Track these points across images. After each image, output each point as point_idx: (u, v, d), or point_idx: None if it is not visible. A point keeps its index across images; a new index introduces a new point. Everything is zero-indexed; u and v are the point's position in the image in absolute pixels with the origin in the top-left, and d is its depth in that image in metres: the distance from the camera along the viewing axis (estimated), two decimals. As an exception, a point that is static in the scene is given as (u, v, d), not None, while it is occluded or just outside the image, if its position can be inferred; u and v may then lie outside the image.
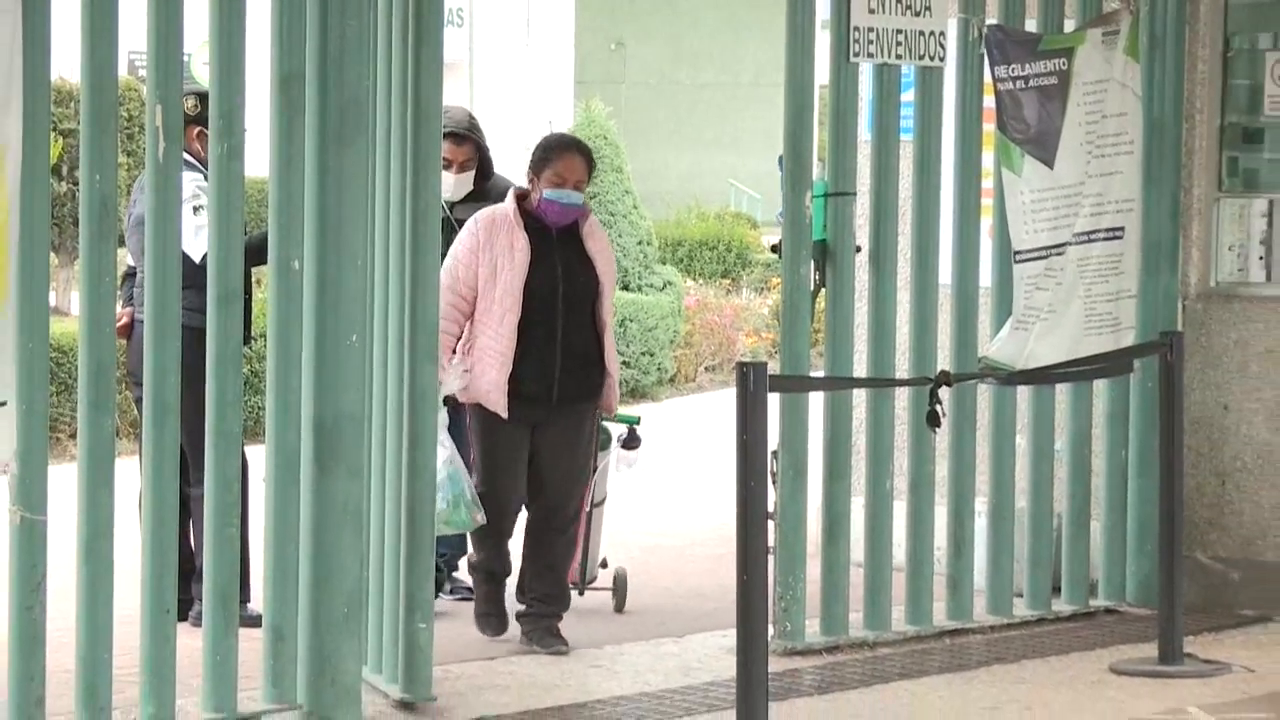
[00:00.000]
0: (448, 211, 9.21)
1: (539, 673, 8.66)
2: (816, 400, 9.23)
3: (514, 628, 9.15)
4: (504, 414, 8.84)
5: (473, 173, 9.77)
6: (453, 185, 9.50)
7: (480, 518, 8.80)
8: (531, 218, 8.97)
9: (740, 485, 7.13)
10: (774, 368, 8.67)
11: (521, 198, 9.03)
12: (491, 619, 9.22)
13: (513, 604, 9.24)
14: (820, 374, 9.41)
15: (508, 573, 9.22)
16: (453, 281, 8.80)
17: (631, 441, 9.79)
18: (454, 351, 8.90)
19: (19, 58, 6.88)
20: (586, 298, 8.99)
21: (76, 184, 7.47)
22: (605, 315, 9.02)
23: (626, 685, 8.53)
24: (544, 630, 9.00)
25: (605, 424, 9.60)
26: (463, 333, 8.95)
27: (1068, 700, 8.47)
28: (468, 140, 9.70)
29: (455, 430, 9.15)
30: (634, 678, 8.69)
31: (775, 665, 7.91)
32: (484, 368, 8.86)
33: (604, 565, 9.91)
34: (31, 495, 7.16)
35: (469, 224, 9.04)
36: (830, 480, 9.31)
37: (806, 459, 9.21)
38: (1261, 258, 10.58)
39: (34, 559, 7.20)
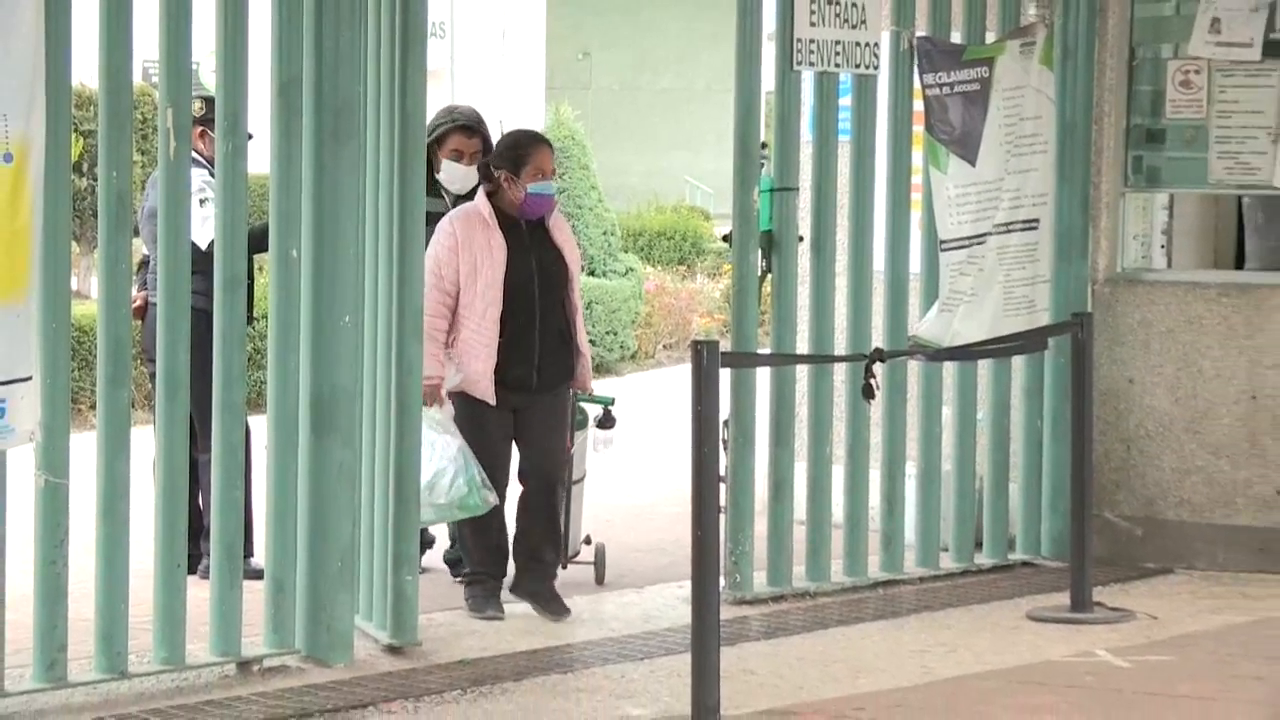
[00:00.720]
0: (449, 205, 8.97)
1: (513, 620, 8.64)
2: (764, 375, 9.23)
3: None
4: (492, 401, 8.47)
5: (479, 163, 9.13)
6: (463, 177, 9.07)
7: (492, 499, 8.38)
8: (501, 214, 8.56)
9: (695, 451, 7.13)
10: (725, 345, 8.66)
11: (491, 194, 8.60)
12: (492, 611, 8.59)
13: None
14: (767, 351, 9.41)
15: (505, 573, 8.75)
16: (437, 280, 8.39)
17: (607, 421, 9.20)
18: (446, 345, 8.50)
19: (42, 65, 6.85)
20: (559, 286, 8.61)
21: (95, 180, 7.45)
22: (575, 300, 8.70)
23: (593, 631, 8.53)
24: (552, 595, 8.71)
25: (582, 405, 9.14)
26: (451, 326, 8.51)
27: (988, 644, 8.49)
28: (477, 134, 9.17)
29: None
30: (599, 624, 8.69)
31: (726, 613, 7.91)
32: (470, 359, 8.45)
33: (587, 541, 9.46)
34: (55, 461, 7.16)
35: (444, 223, 8.57)
36: (776, 446, 9.32)
37: (754, 427, 9.21)
38: (1163, 246, 10.62)
39: (57, 519, 7.20)
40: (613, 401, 9.22)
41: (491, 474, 8.42)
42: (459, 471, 8.27)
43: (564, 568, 9.20)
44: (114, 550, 7.39)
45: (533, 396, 8.58)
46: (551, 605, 8.64)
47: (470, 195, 8.97)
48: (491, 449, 8.51)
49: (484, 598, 8.61)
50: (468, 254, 8.47)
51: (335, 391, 7.83)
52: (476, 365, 8.44)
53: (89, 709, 7.18)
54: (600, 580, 9.46)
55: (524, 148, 8.63)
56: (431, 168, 8.87)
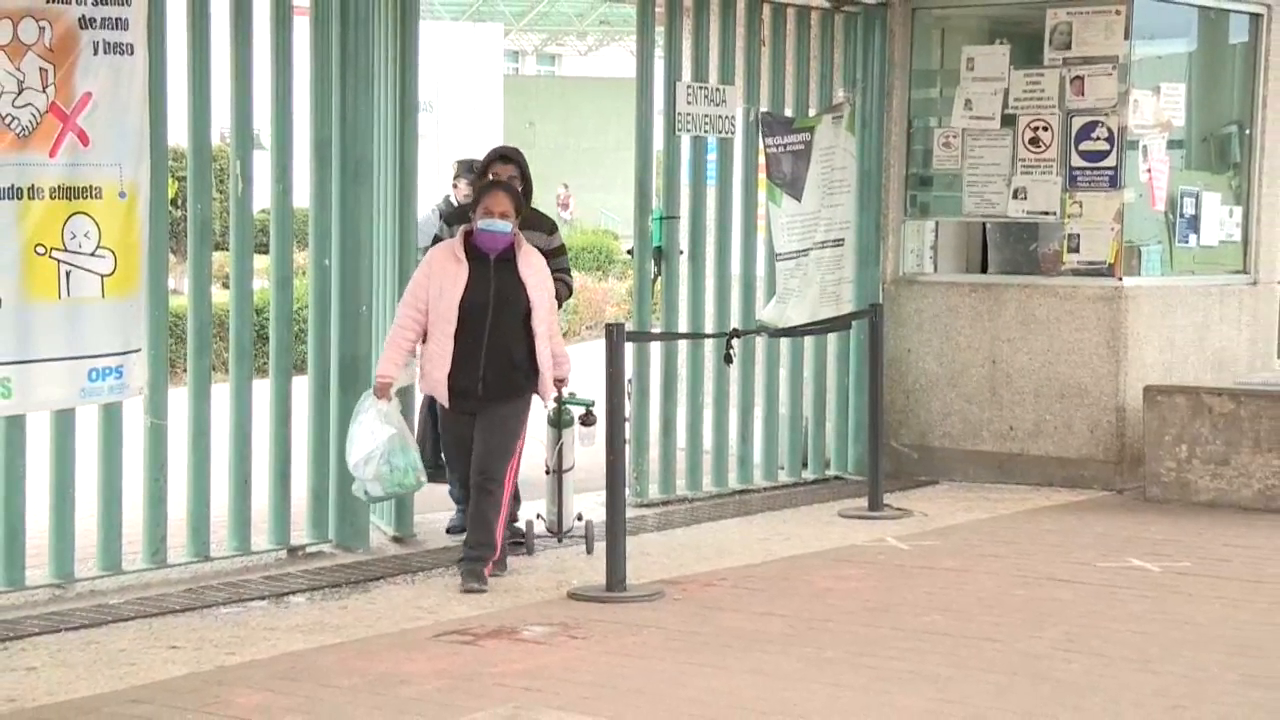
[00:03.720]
0: None
1: (481, 518, 8.57)
2: (656, 347, 9.22)
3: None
4: (446, 404, 7.21)
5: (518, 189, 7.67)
6: None
7: (423, 478, 7.25)
8: (474, 248, 7.20)
9: (608, 400, 7.11)
10: (630, 327, 8.65)
11: (468, 233, 7.25)
12: (473, 584, 7.13)
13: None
14: (658, 330, 9.40)
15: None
16: (412, 299, 7.19)
17: (588, 419, 7.76)
18: (413, 354, 7.27)
19: (147, 129, 6.79)
20: (516, 312, 7.15)
21: (186, 211, 7.38)
22: (537, 326, 7.18)
23: (538, 526, 8.46)
24: (468, 572, 7.14)
25: (568, 406, 7.76)
26: (418, 339, 7.22)
27: (812, 533, 8.51)
28: (511, 161, 7.82)
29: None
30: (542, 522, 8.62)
31: (630, 513, 7.88)
32: (431, 367, 7.17)
33: (580, 519, 7.95)
34: (157, 408, 7.11)
35: (427, 254, 7.36)
36: (665, 397, 9.31)
37: (649, 384, 9.20)
38: (931, 257, 10.66)
39: (159, 448, 7.15)
40: (593, 403, 7.78)
41: (452, 464, 7.42)
42: (386, 456, 7.11)
43: (560, 541, 7.93)
44: (200, 470, 7.32)
45: (480, 404, 7.16)
46: (467, 580, 7.11)
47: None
48: (451, 444, 7.36)
49: (465, 571, 7.21)
50: (437, 280, 7.16)
51: (355, 359, 7.77)
52: (436, 373, 7.16)
53: (182, 583, 7.11)
54: (590, 550, 7.82)
55: (480, 191, 7.36)
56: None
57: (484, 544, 7.18)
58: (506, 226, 7.17)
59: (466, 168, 8.41)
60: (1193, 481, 9.38)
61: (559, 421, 7.74)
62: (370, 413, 7.17)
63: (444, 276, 7.15)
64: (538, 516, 7.96)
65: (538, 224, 7.83)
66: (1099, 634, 6.33)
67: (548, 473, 7.87)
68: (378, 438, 7.10)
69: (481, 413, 7.17)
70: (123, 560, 7.08)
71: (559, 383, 7.40)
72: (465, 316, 7.11)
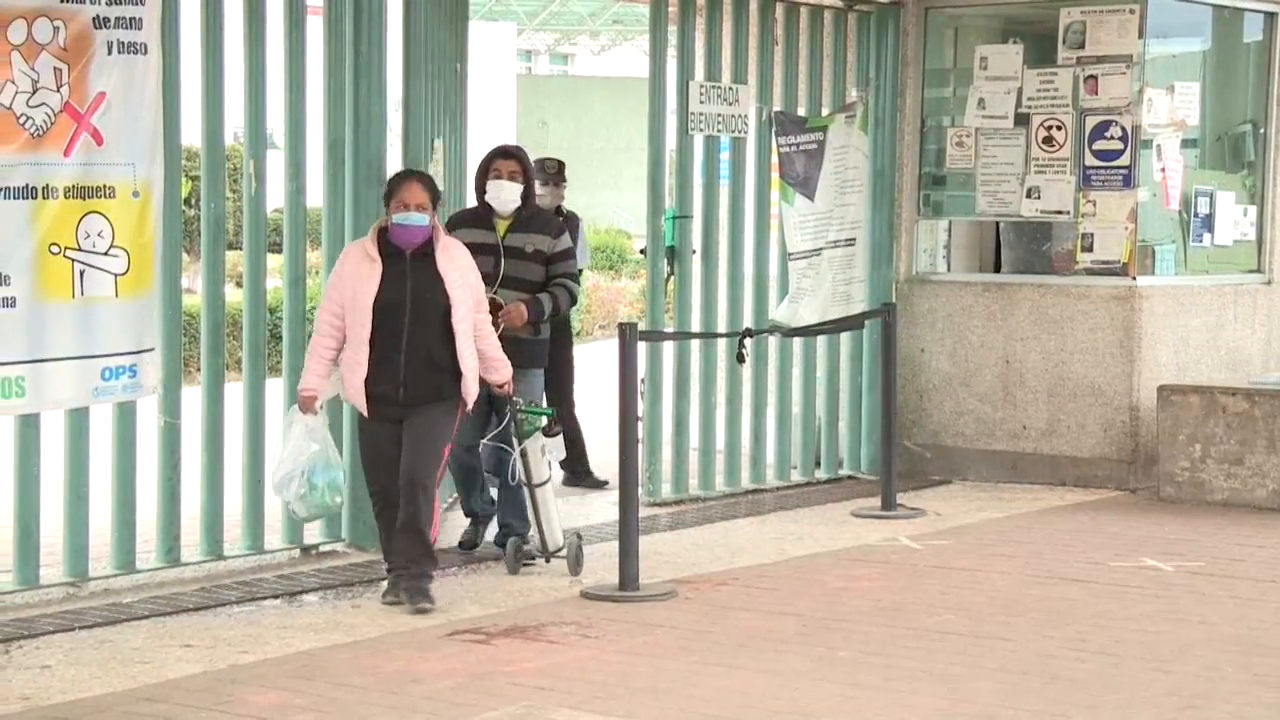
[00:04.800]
0: (499, 240, 7.42)
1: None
2: (669, 346, 9.23)
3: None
4: (364, 411, 6.71)
5: (521, 186, 7.46)
6: (503, 193, 7.43)
7: (340, 499, 6.90)
8: (389, 244, 6.68)
9: (620, 399, 7.11)
10: (642, 326, 8.66)
11: (382, 230, 6.73)
12: (390, 597, 6.79)
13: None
14: (671, 330, 9.40)
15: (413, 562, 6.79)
16: (329, 303, 6.71)
17: (550, 430, 7.24)
18: (335, 363, 6.78)
19: (160, 129, 6.80)
20: (435, 311, 6.62)
21: (199, 210, 7.41)
22: (459, 326, 6.64)
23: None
24: (412, 590, 6.69)
25: (528, 417, 7.25)
26: (340, 346, 6.74)
27: (825, 533, 8.51)
28: (513, 157, 7.45)
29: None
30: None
31: (643, 512, 7.89)
32: (348, 374, 6.69)
33: (580, 536, 7.51)
34: (171, 407, 7.12)
35: (341, 254, 6.94)
36: (677, 397, 9.31)
37: (662, 383, 9.20)
38: (944, 257, 10.67)
39: (173, 447, 7.16)
40: (553, 413, 7.43)
41: (376, 481, 6.80)
42: (307, 475, 6.74)
43: (547, 561, 7.46)
44: (213, 469, 7.34)
45: (404, 410, 6.68)
46: (414, 598, 6.68)
47: (517, 214, 7.49)
48: (373, 458, 6.78)
49: (389, 585, 6.87)
50: (351, 281, 6.67)
51: (369, 358, 7.77)
52: (353, 380, 6.69)
53: (195, 581, 7.13)
54: (574, 573, 7.36)
55: (393, 183, 6.81)
56: (483, 194, 7.49)
57: (422, 557, 6.70)
58: (423, 219, 6.65)
59: (539, 167, 8.11)
60: (1206, 481, 9.36)
61: (519, 433, 7.21)
62: (297, 430, 6.79)
63: (356, 277, 6.66)
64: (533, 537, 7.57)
65: (543, 225, 7.54)
66: (1112, 633, 6.32)
67: (520, 486, 7.44)
68: (300, 457, 6.74)
69: (407, 419, 6.67)
70: (136, 559, 7.09)
71: (498, 387, 6.98)
72: (381, 318, 6.62)
